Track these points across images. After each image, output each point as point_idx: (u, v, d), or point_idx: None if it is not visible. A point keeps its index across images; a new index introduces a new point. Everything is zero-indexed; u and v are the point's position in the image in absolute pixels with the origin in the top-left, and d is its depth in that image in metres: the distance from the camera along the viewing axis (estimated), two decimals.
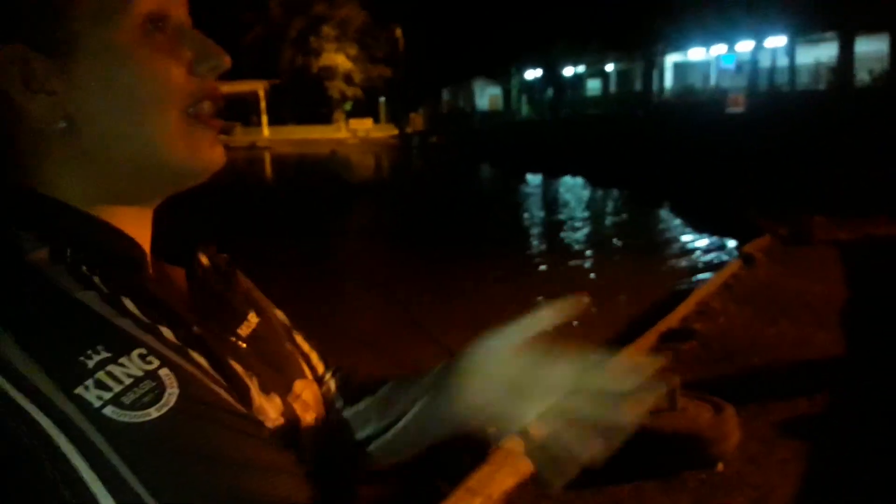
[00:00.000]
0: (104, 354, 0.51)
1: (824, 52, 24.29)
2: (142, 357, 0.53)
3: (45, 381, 0.50)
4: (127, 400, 0.50)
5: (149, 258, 0.66)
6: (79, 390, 0.50)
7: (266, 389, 0.66)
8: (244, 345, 0.71)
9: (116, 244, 0.62)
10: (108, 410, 0.50)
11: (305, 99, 45.59)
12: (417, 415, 0.71)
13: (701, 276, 7.91)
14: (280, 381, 0.71)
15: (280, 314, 0.85)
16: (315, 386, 0.78)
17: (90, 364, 0.51)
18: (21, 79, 0.58)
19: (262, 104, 42.64)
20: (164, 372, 0.53)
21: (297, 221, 12.91)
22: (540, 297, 7.02)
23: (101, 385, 0.50)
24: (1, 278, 0.54)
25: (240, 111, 42.97)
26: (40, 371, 0.50)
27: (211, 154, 0.64)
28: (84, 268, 0.56)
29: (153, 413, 0.51)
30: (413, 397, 0.72)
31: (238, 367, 0.64)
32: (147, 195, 0.66)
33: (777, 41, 26.40)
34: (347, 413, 0.80)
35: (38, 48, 0.58)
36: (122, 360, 0.52)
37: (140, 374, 0.52)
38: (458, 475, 2.94)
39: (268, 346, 0.74)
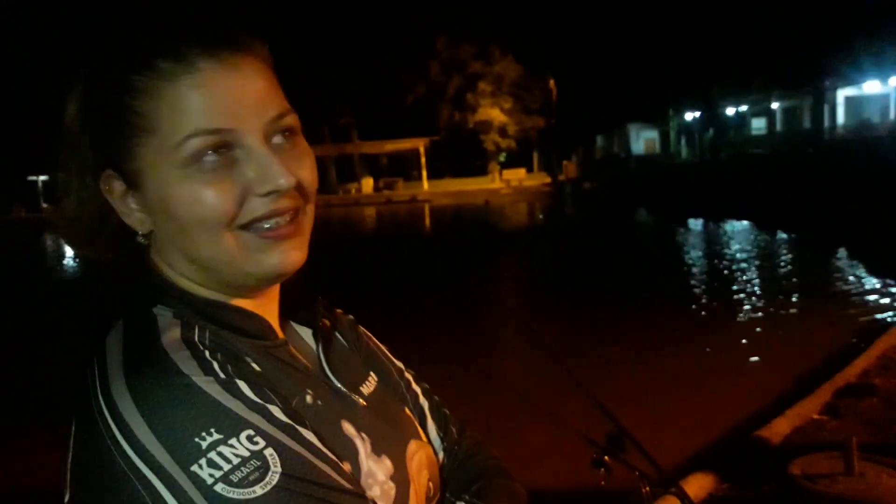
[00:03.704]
0: (216, 436, 0.59)
1: None
2: (249, 438, 0.60)
3: (167, 458, 0.58)
4: (235, 478, 0.58)
5: (276, 326, 0.76)
6: (194, 468, 0.58)
7: (377, 451, 0.73)
8: (364, 403, 0.78)
9: (240, 321, 0.72)
10: (219, 487, 0.57)
11: (462, 153, 47.24)
12: None
13: (883, 326, 7.29)
14: (394, 441, 0.78)
15: (399, 364, 0.95)
16: (429, 448, 0.84)
17: (203, 445, 0.58)
18: (116, 198, 0.71)
19: (423, 160, 44.68)
20: (268, 452, 0.60)
21: (452, 270, 13.27)
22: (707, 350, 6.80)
23: (212, 464, 0.58)
24: (140, 363, 0.63)
25: (402, 167, 45.85)
26: (163, 449, 0.59)
27: (270, 260, 0.70)
28: (207, 353, 0.64)
29: (258, 490, 0.58)
30: None
31: (350, 429, 0.72)
32: (243, 288, 0.73)
33: None
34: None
35: (120, 176, 0.70)
36: (232, 441, 0.59)
37: (247, 454, 0.59)
38: None
39: (386, 406, 0.82)
